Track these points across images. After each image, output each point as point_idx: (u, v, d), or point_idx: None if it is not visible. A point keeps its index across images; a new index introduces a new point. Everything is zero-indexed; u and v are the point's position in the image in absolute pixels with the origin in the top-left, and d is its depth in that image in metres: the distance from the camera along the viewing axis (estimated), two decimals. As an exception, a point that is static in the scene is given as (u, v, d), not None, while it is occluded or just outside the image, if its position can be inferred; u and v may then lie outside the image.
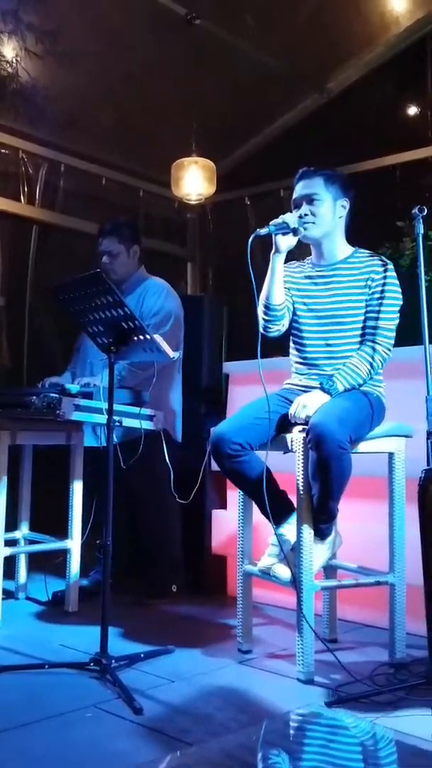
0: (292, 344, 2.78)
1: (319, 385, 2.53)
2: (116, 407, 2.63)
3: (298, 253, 2.77)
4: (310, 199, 2.63)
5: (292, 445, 2.48)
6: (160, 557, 3.46)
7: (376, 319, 2.58)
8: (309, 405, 2.44)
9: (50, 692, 2.25)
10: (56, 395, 2.79)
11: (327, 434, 2.30)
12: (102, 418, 2.80)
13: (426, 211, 2.39)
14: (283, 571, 2.47)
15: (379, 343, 2.56)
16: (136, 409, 2.98)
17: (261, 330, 2.66)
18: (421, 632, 2.27)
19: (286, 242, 2.59)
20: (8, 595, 3.27)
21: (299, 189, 2.67)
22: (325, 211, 2.64)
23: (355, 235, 2.77)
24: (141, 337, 2.48)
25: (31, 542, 3.34)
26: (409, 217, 2.55)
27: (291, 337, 2.77)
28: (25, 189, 4.63)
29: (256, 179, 5.26)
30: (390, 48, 4.64)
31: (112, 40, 4.22)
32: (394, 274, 2.61)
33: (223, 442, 2.49)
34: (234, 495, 2.78)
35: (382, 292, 2.59)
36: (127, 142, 4.88)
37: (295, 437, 2.47)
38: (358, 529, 2.82)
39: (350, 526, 2.75)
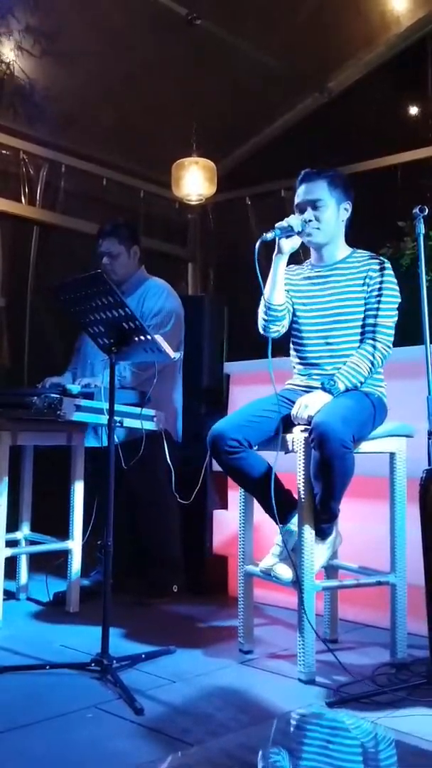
0: (292, 345, 2.78)
1: (320, 385, 2.53)
2: (117, 407, 2.62)
3: (302, 257, 2.79)
4: (314, 205, 2.63)
5: (292, 445, 2.48)
6: (160, 557, 3.46)
7: (375, 316, 2.58)
8: (311, 405, 2.44)
9: (51, 693, 2.25)
10: (57, 395, 2.79)
11: (330, 433, 2.30)
12: (103, 419, 2.80)
13: (427, 211, 2.39)
14: (285, 572, 2.47)
15: (378, 341, 2.57)
16: (137, 410, 2.98)
17: (261, 330, 2.67)
18: (423, 632, 2.27)
19: (289, 244, 2.60)
20: (9, 595, 3.27)
21: (302, 193, 2.66)
22: (329, 216, 2.64)
23: (356, 235, 2.77)
24: (142, 337, 2.47)
25: (32, 543, 3.34)
26: (409, 217, 2.55)
27: (291, 338, 2.78)
28: (26, 190, 4.63)
29: (257, 179, 5.26)
30: (390, 48, 4.64)
31: (112, 40, 4.22)
32: (391, 272, 2.62)
33: (220, 439, 2.49)
34: (235, 495, 2.78)
35: (380, 289, 2.59)
36: (128, 143, 4.88)
37: (296, 437, 2.47)
38: (359, 529, 2.82)
39: (351, 526, 2.75)
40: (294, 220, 2.59)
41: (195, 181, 4.89)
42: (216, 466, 3.32)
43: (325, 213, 2.63)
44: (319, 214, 2.63)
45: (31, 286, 4.63)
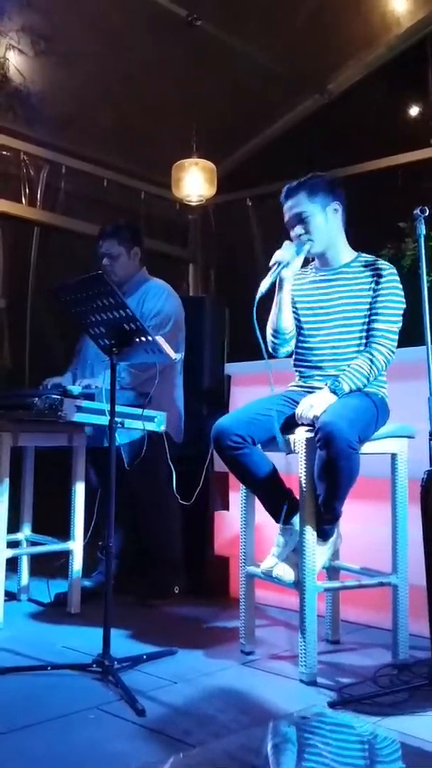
0: (296, 347, 2.78)
1: (325, 386, 2.53)
2: (118, 408, 2.62)
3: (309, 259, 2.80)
4: (300, 219, 2.65)
5: (294, 446, 2.48)
6: (162, 558, 3.45)
7: (380, 321, 2.59)
8: (316, 405, 2.44)
9: (52, 694, 2.25)
10: (58, 396, 2.79)
11: (337, 433, 2.30)
12: (104, 420, 2.80)
13: (427, 211, 2.38)
14: (286, 573, 2.46)
15: (382, 345, 2.57)
16: (137, 411, 2.98)
17: (270, 350, 2.69)
18: (424, 633, 2.27)
19: (290, 272, 2.64)
20: (11, 596, 3.27)
21: (287, 210, 2.69)
22: (318, 224, 2.65)
23: (357, 236, 2.77)
24: (142, 338, 2.47)
25: (34, 544, 3.34)
26: (410, 218, 2.54)
27: (295, 341, 2.77)
28: (27, 191, 4.63)
29: (257, 180, 5.26)
30: (391, 49, 4.65)
31: (111, 41, 4.22)
32: (396, 277, 2.63)
33: (224, 434, 2.49)
34: (236, 496, 2.78)
35: (386, 295, 2.59)
36: (128, 144, 4.89)
37: (298, 438, 2.46)
38: (360, 530, 2.82)
39: (353, 527, 2.75)
40: (283, 253, 2.62)
41: (195, 182, 4.90)
42: (217, 467, 3.33)
43: (313, 223, 2.65)
44: (307, 226, 2.65)
45: (31, 287, 4.63)
